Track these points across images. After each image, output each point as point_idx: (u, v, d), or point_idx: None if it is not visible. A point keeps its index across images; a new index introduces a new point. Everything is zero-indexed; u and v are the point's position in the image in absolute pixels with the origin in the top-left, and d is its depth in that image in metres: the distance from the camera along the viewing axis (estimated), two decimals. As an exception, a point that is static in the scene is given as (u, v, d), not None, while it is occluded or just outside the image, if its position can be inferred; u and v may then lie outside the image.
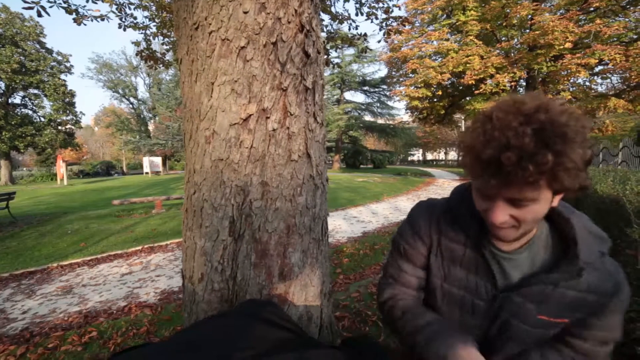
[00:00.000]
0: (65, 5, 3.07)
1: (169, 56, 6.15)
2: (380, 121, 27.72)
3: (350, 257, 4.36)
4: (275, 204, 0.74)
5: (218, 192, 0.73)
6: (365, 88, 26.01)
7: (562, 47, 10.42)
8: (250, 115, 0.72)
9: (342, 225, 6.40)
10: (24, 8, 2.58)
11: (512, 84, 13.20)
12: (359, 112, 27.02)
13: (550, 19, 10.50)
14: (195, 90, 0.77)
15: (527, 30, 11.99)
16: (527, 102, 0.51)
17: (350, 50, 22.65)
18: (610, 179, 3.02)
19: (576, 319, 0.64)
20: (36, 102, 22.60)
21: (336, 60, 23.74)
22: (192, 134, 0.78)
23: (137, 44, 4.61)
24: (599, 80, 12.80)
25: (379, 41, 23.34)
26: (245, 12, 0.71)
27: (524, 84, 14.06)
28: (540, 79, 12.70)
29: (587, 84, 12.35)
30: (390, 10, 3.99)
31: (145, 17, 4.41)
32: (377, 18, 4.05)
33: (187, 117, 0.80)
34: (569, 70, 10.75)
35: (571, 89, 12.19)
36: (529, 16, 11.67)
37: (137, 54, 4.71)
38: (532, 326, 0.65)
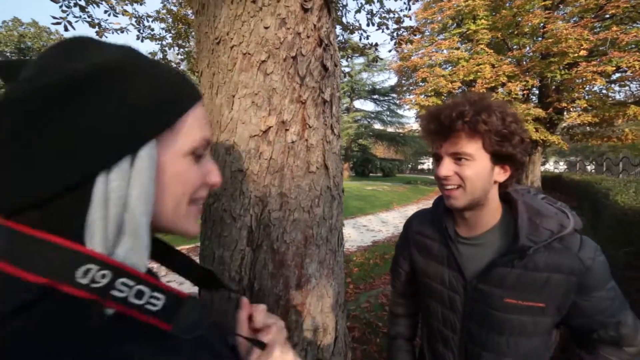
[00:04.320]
0: (89, 20, 3.22)
1: (183, 66, 6.32)
2: (389, 129, 27.65)
3: (360, 267, 4.32)
4: (293, 214, 0.74)
5: (237, 202, 0.75)
6: (375, 96, 26.07)
7: (576, 55, 10.22)
8: (270, 127, 0.73)
9: (352, 234, 6.36)
10: (52, 24, 2.73)
11: (525, 92, 13.00)
12: (369, 120, 27.03)
13: (564, 26, 10.35)
14: (216, 102, 0.79)
15: (540, 39, 11.85)
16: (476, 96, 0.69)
17: (360, 59, 22.79)
18: (632, 190, 2.92)
19: (562, 303, 0.64)
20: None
21: (346, 69, 23.90)
22: (212, 145, 0.80)
23: (153, 54, 4.77)
24: (617, 88, 12.48)
25: (389, 50, 23.41)
26: (266, 28, 0.73)
27: (537, 92, 13.84)
28: (553, 87, 12.47)
29: (604, 91, 12.04)
30: (401, 20, 4.01)
31: (162, 28, 4.57)
32: (388, 28, 4.08)
33: (208, 128, 0.82)
34: (584, 78, 10.51)
35: (587, 97, 11.91)
36: (541, 24, 11.54)
37: (153, 65, 4.86)
38: (503, 311, 0.67)
